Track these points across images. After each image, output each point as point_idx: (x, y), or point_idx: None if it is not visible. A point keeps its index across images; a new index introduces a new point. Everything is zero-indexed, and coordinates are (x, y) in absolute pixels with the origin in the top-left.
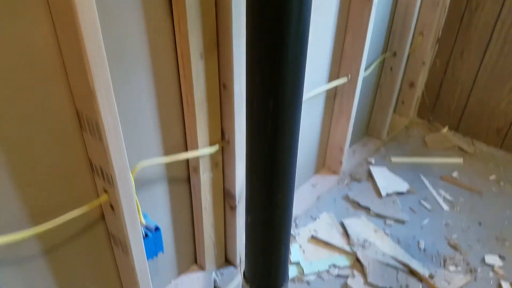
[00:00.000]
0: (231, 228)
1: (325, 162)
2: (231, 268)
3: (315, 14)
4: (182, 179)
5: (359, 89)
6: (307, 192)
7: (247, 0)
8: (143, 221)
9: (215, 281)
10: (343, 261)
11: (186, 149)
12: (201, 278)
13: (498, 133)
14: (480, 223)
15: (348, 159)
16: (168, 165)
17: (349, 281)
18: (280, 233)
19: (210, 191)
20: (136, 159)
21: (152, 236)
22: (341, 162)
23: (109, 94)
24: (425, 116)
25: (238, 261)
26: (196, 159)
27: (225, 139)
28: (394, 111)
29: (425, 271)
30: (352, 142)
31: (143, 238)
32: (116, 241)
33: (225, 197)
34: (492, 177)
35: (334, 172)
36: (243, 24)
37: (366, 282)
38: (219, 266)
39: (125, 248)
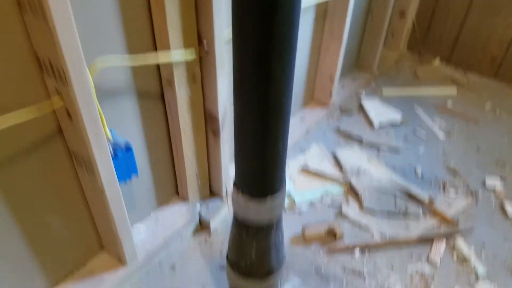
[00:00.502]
0: (215, 156)
1: (314, 94)
2: (216, 200)
3: None
4: (155, 94)
5: (352, 8)
6: (295, 126)
7: None
8: (110, 135)
9: (199, 214)
10: (336, 189)
11: (154, 47)
12: (184, 210)
13: (493, 62)
14: (478, 149)
15: (338, 93)
16: (137, 74)
17: (344, 209)
18: (277, 123)
19: (189, 111)
20: (91, 54)
21: (122, 155)
22: (331, 93)
23: None
24: (416, 49)
25: (224, 193)
26: (169, 68)
27: (203, 46)
28: (384, 45)
29: (425, 195)
30: (342, 76)
31: (112, 157)
32: (79, 160)
33: (207, 120)
34: (487, 106)
35: (324, 104)
36: None
37: (361, 209)
38: (203, 198)
39: (90, 167)
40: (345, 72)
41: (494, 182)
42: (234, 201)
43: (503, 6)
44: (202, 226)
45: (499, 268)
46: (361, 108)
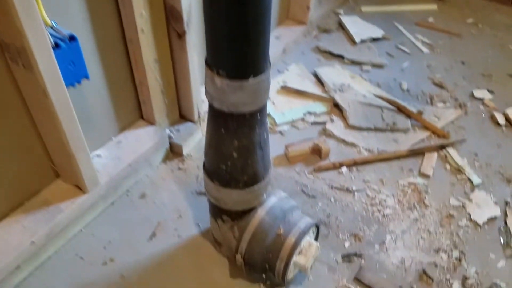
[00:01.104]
0: (182, 67)
1: (289, 11)
2: (188, 124)
3: None
4: None
5: None
6: (271, 44)
7: None
8: (49, 20)
9: (170, 138)
10: (319, 107)
11: None
12: (151, 132)
13: None
14: (463, 62)
15: (315, 10)
16: None
17: (328, 126)
18: None
19: (146, 3)
20: None
21: (66, 47)
22: (308, 8)
23: None
24: None
25: (196, 115)
26: None
27: None
28: None
29: (412, 108)
30: None
31: (53, 49)
32: (11, 52)
33: (168, 18)
34: (469, 20)
35: (300, 22)
36: None
37: (347, 125)
38: (172, 123)
39: (26, 61)
40: None
41: (482, 94)
42: (208, 86)
43: None
44: (174, 152)
45: (494, 176)
46: (341, 26)
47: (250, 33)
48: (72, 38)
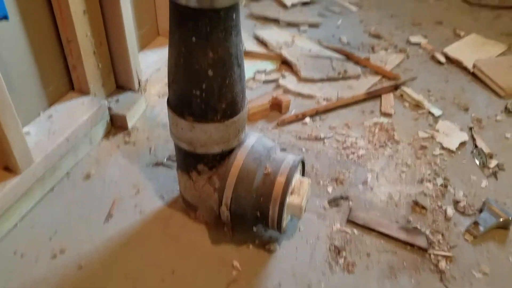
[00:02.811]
0: (115, 18)
1: None
2: (128, 93)
3: None
4: None
5: None
6: None
7: None
8: None
9: (110, 109)
10: (268, 65)
11: None
12: (87, 103)
13: None
14: (392, 15)
15: None
16: None
17: (281, 82)
18: None
19: None
20: None
21: None
22: None
23: None
24: None
25: (136, 84)
26: None
27: None
28: None
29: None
30: None
31: None
32: None
33: None
34: None
35: None
36: None
37: (299, 79)
38: (109, 94)
39: None
40: None
41: (417, 39)
42: None
43: None
44: (117, 126)
45: (451, 107)
46: None
47: None
48: None
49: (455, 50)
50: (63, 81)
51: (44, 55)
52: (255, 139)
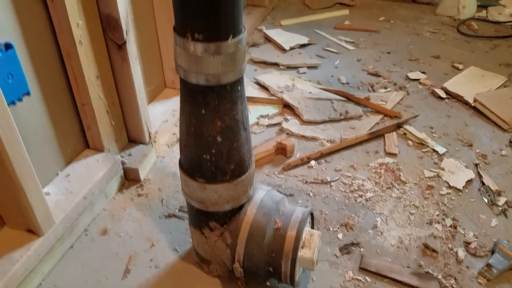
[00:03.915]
0: (126, 81)
1: None
2: (139, 146)
3: None
4: None
5: None
6: None
7: None
8: None
9: (123, 163)
10: (271, 110)
11: None
12: (102, 160)
13: None
14: (389, 52)
15: None
16: None
17: (284, 125)
18: None
19: (81, 11)
20: None
21: (2, 56)
22: None
23: None
24: None
25: (147, 136)
26: None
27: None
28: None
29: (360, 95)
30: None
31: None
32: None
33: (106, 29)
34: (381, 18)
35: None
36: None
37: (302, 121)
38: (122, 148)
39: None
40: None
41: (416, 75)
42: (180, 58)
43: None
44: (130, 179)
45: (455, 143)
46: (267, 39)
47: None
48: (8, 46)
49: (454, 84)
50: (79, 140)
51: (60, 117)
52: (264, 193)
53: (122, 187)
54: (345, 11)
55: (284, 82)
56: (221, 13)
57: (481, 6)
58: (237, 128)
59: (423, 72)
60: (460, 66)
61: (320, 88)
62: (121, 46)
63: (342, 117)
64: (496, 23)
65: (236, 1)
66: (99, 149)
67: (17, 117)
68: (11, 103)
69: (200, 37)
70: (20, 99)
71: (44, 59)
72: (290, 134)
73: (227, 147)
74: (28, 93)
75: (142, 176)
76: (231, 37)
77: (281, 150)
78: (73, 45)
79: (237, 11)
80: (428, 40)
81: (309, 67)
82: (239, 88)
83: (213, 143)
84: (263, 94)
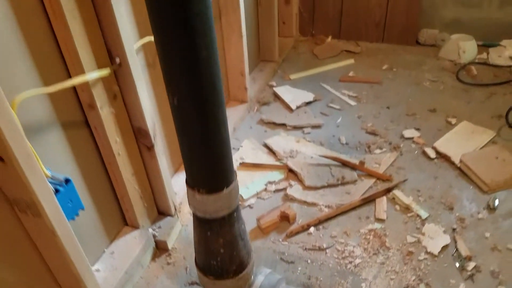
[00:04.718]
0: (155, 172)
1: (230, 94)
2: (167, 219)
3: None
4: (78, 121)
5: (242, 1)
6: None
7: None
8: (47, 172)
9: (154, 236)
10: (277, 175)
11: (68, 73)
12: (138, 236)
13: (377, 27)
14: (388, 107)
15: (251, 87)
16: (57, 105)
17: (289, 191)
18: (215, 109)
19: (118, 131)
20: (9, 94)
21: (64, 191)
22: (246, 88)
23: None
24: (308, 32)
25: (173, 210)
26: (88, 90)
27: (115, 62)
28: (279, 34)
29: (355, 160)
30: (250, 69)
31: (55, 194)
32: (21, 206)
33: (137, 137)
34: (385, 66)
35: (242, 101)
36: None
37: (304, 187)
38: (153, 221)
39: (35, 210)
40: (252, 66)
41: (411, 133)
42: (191, 201)
43: None
44: (160, 248)
45: (438, 207)
46: (276, 97)
47: (219, 161)
48: (67, 181)
49: (445, 143)
50: (119, 221)
51: (105, 205)
52: (262, 279)
53: (154, 256)
54: (350, 61)
55: (290, 145)
56: (218, 177)
57: (484, 46)
58: (235, 242)
59: (418, 129)
60: (454, 121)
61: (320, 155)
62: (150, 148)
63: (339, 182)
64: (496, 67)
65: (227, 165)
66: (135, 226)
67: (73, 222)
68: (71, 219)
69: (204, 191)
70: (77, 215)
71: (91, 171)
72: (293, 199)
73: (229, 255)
74: (82, 208)
75: (169, 246)
76: (225, 188)
77: (285, 218)
78: (113, 157)
79: (228, 171)
80: (427, 90)
81: (313, 127)
82: (235, 214)
83: (218, 253)
84: (270, 159)
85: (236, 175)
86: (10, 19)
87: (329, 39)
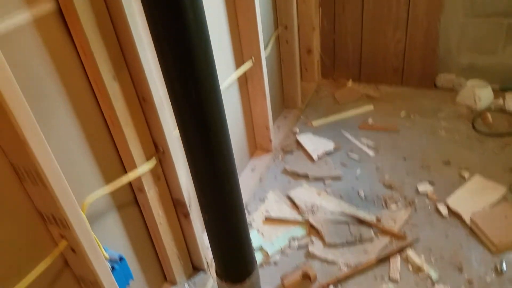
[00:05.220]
0: (190, 235)
1: (256, 144)
2: (201, 274)
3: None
4: (130, 202)
5: (265, 66)
6: (249, 177)
7: (147, 17)
8: (106, 255)
9: None
10: (300, 231)
11: (124, 171)
12: None
13: (395, 72)
14: (404, 158)
15: (276, 135)
16: (113, 193)
17: (311, 249)
18: (237, 223)
19: (160, 205)
20: (80, 195)
21: (119, 267)
22: (270, 140)
23: (40, 139)
24: (329, 75)
25: (205, 265)
26: (138, 178)
27: (160, 150)
28: (302, 79)
29: (372, 216)
30: (275, 118)
31: (111, 271)
32: (86, 284)
33: (176, 206)
34: (403, 113)
35: (267, 150)
36: (144, 37)
37: (325, 244)
38: (189, 276)
39: (96, 286)
40: (277, 114)
41: (425, 188)
42: (219, 285)
43: (386, 26)
44: None
45: (448, 267)
46: (299, 144)
47: (239, 255)
48: (121, 258)
49: (456, 200)
50: (160, 278)
51: (147, 265)
52: None
53: None
54: (369, 107)
55: (312, 198)
56: (238, 270)
57: (501, 90)
58: None
59: (432, 183)
60: (466, 175)
61: (340, 211)
62: (187, 215)
63: (357, 240)
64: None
65: (247, 260)
66: (174, 282)
67: None
68: None
69: (229, 281)
70: (128, 284)
71: (138, 240)
72: (315, 256)
73: None
74: (132, 279)
75: None
76: (247, 279)
77: (307, 277)
78: (156, 226)
79: (246, 262)
80: (443, 140)
81: (333, 179)
82: None
83: None
84: (293, 212)
85: (257, 265)
86: (81, 138)
87: (350, 82)
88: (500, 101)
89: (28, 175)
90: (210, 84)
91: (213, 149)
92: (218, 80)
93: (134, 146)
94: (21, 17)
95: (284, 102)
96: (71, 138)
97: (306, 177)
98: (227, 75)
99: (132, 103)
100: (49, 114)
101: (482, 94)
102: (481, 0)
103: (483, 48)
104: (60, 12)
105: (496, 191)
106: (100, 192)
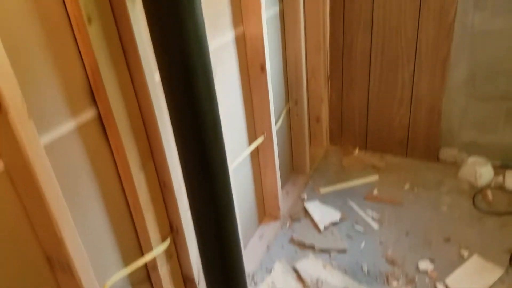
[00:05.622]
0: None
1: (265, 211)
2: None
3: (223, 95)
4: (143, 279)
5: (276, 141)
6: (257, 245)
7: (171, 115)
8: None
9: None
10: None
11: (141, 251)
12: None
13: (400, 144)
14: (407, 233)
15: (284, 201)
16: (131, 275)
17: None
18: None
19: (171, 282)
20: (101, 277)
21: None
22: (279, 208)
23: (74, 237)
24: (337, 142)
25: None
26: (153, 260)
27: (174, 229)
28: (310, 145)
29: None
30: (284, 183)
31: None
32: None
33: (185, 282)
34: (406, 186)
35: (275, 218)
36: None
37: None
38: None
39: None
40: (285, 179)
41: (425, 265)
42: None
43: (391, 102)
44: None
45: None
46: (306, 212)
47: None
48: None
49: (455, 280)
50: None
51: None
52: None
53: None
54: (375, 177)
55: (317, 271)
56: None
57: (503, 167)
58: None
59: (432, 260)
60: (466, 254)
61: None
62: None
63: None
64: (511, 193)
65: None
66: None
67: None
68: None
69: None
70: None
71: None
72: None
73: None
74: None
75: None
76: None
77: None
78: None
79: None
80: (444, 216)
81: (339, 251)
82: None
83: None
84: (299, 285)
85: None
86: (107, 223)
87: (356, 151)
88: (500, 178)
89: (59, 264)
90: (219, 166)
91: (221, 231)
92: (227, 164)
93: (152, 229)
94: (68, 125)
95: (293, 167)
96: (98, 225)
97: (312, 248)
98: (241, 151)
99: (154, 190)
100: (82, 205)
101: (482, 172)
102: (481, 85)
103: (484, 127)
104: (99, 117)
105: (493, 273)
106: (120, 275)
